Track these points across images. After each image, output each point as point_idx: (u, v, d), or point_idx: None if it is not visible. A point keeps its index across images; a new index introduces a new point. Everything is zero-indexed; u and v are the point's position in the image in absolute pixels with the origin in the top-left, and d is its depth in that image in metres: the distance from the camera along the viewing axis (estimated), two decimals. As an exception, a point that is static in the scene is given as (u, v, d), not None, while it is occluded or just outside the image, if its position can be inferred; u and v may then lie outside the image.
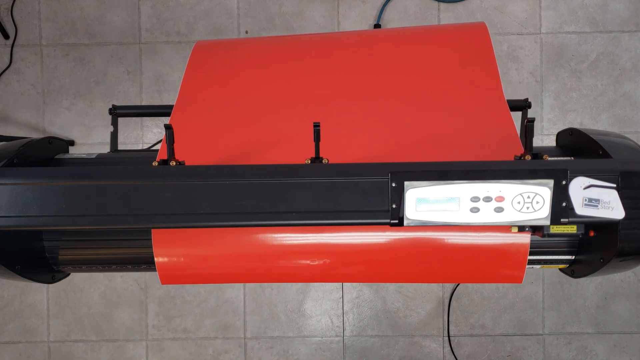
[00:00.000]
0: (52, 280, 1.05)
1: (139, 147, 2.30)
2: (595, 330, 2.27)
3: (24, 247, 0.97)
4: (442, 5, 2.28)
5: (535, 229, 0.86)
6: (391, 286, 2.29)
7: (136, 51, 2.30)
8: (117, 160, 1.07)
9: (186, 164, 0.87)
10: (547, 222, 0.80)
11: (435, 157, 0.94)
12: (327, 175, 0.81)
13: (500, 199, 0.79)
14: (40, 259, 1.00)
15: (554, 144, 1.09)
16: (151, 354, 2.29)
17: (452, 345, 2.28)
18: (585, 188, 0.81)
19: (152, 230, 0.93)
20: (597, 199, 0.82)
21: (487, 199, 0.79)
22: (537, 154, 0.84)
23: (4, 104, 2.30)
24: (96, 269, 1.05)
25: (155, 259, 0.94)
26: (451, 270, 0.95)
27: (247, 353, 2.29)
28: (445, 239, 0.92)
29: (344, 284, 2.28)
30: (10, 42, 2.30)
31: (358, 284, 2.28)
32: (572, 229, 0.93)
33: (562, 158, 0.99)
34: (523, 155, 0.85)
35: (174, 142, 0.86)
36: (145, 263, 1.02)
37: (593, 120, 2.27)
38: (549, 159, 0.84)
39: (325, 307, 2.29)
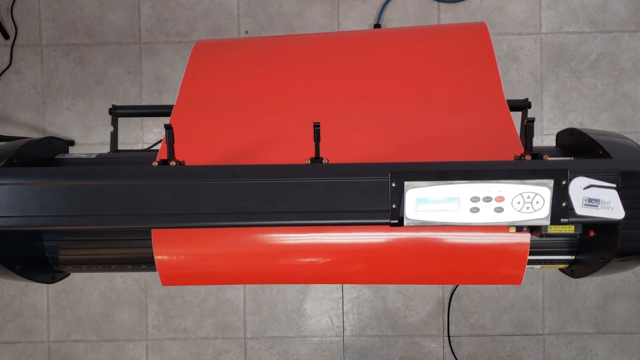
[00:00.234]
0: (52, 280, 1.04)
1: (139, 147, 2.30)
2: (595, 330, 2.27)
3: (24, 247, 0.97)
4: (442, 5, 2.28)
5: (532, 229, 0.86)
6: (391, 286, 2.29)
7: (136, 51, 2.30)
8: (117, 160, 1.07)
9: (186, 164, 0.87)
10: (547, 222, 0.80)
11: (435, 157, 0.94)
12: (327, 175, 0.81)
13: (500, 199, 0.79)
14: (40, 259, 1.00)
15: (554, 144, 1.09)
16: (151, 354, 2.29)
17: (452, 345, 2.28)
18: (585, 188, 0.81)
19: (152, 230, 0.93)
20: (597, 199, 0.82)
21: (487, 199, 0.79)
22: (537, 154, 0.84)
23: (4, 104, 2.30)
24: (96, 269, 1.05)
25: (156, 259, 0.94)
26: (451, 271, 0.95)
27: (247, 353, 2.29)
28: (445, 239, 0.92)
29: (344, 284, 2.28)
30: (10, 42, 2.30)
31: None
32: (569, 229, 0.93)
33: (562, 158, 0.99)
34: (523, 155, 0.85)
35: (174, 142, 0.86)
36: (145, 263, 1.02)
37: (593, 120, 2.27)
38: (549, 159, 0.84)
39: (325, 307, 2.29)
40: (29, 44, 2.31)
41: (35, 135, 1.68)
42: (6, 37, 2.30)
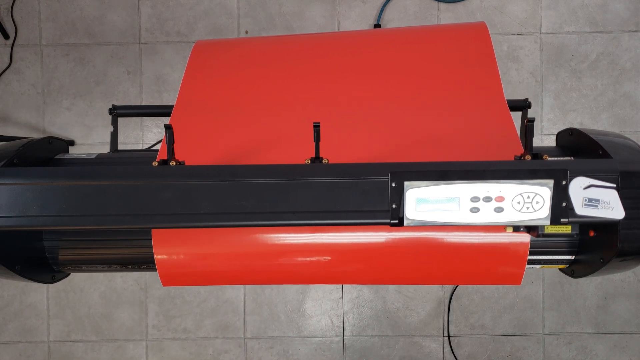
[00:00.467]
0: (52, 280, 1.04)
1: (139, 147, 2.30)
2: (595, 330, 2.27)
3: (24, 247, 0.97)
4: (442, 5, 2.28)
5: (529, 229, 0.86)
6: (391, 286, 2.29)
7: (136, 51, 2.30)
8: (117, 160, 1.07)
9: (186, 164, 0.87)
10: (547, 222, 0.80)
11: (435, 157, 0.94)
12: (327, 175, 0.81)
13: (500, 199, 0.79)
14: (40, 259, 1.00)
15: (554, 144, 1.09)
16: (151, 354, 2.29)
17: (452, 345, 2.28)
18: (585, 188, 0.81)
19: (152, 230, 0.93)
20: (597, 199, 0.82)
21: (487, 199, 0.79)
22: (537, 154, 0.84)
23: (4, 104, 2.30)
24: (96, 269, 1.05)
25: (156, 258, 0.94)
26: (451, 271, 0.95)
27: (247, 353, 2.29)
28: (445, 239, 0.92)
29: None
30: (10, 42, 2.30)
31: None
32: (566, 229, 0.94)
33: (562, 158, 0.99)
34: (523, 155, 0.85)
35: (174, 142, 0.86)
36: (145, 263, 1.02)
37: (593, 120, 2.27)
38: (549, 159, 0.84)
39: (325, 307, 2.29)
40: (29, 44, 2.31)
41: (35, 135, 1.68)
42: (6, 37, 2.30)
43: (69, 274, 1.09)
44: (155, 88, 2.29)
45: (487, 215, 0.79)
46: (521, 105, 1.21)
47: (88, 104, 2.29)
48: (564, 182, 0.79)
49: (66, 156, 1.06)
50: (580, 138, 0.98)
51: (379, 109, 1.05)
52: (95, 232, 1.00)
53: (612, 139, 0.93)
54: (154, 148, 2.15)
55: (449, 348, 2.28)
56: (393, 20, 2.30)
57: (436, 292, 2.29)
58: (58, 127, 2.30)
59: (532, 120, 0.84)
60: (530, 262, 0.99)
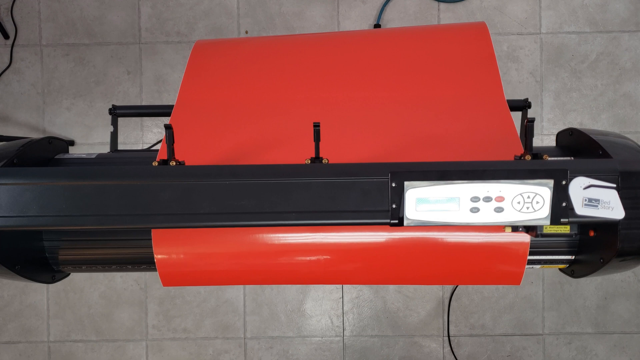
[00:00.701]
0: (52, 280, 1.05)
1: (139, 147, 2.30)
2: (595, 330, 2.27)
3: (24, 247, 0.97)
4: (442, 5, 2.28)
5: (528, 229, 0.86)
6: (391, 286, 2.29)
7: (136, 51, 2.30)
8: (117, 160, 1.07)
9: (186, 164, 0.87)
10: (547, 222, 0.80)
11: (435, 157, 0.94)
12: (327, 175, 0.81)
13: (500, 199, 0.79)
14: (40, 259, 1.00)
15: (554, 144, 1.09)
16: (151, 354, 2.29)
17: (452, 345, 2.28)
18: (585, 188, 0.81)
19: (152, 231, 0.93)
20: (597, 199, 0.82)
21: (487, 199, 0.79)
22: (537, 154, 0.84)
23: (4, 104, 2.30)
24: (96, 269, 1.05)
25: (156, 258, 0.94)
26: (450, 271, 0.95)
27: (247, 353, 2.29)
28: (445, 239, 0.92)
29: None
30: (10, 42, 2.30)
31: (358, 284, 2.28)
32: (565, 229, 0.94)
33: (562, 158, 0.99)
34: (523, 155, 0.85)
35: (174, 142, 0.86)
36: (145, 263, 1.02)
37: (593, 120, 2.27)
38: (549, 159, 0.84)
39: (325, 307, 2.29)
40: (29, 44, 2.31)
41: (35, 135, 1.68)
42: (6, 37, 2.30)
43: (69, 274, 1.09)
44: (155, 88, 2.29)
45: (487, 215, 0.79)
46: (521, 105, 1.21)
47: (88, 104, 2.29)
48: (564, 182, 0.79)
49: (66, 156, 1.06)
50: (580, 138, 0.98)
51: (379, 109, 1.05)
52: (95, 232, 1.00)
53: (612, 139, 0.93)
54: (154, 148, 2.15)
55: (449, 348, 2.28)
56: (393, 20, 2.30)
57: (436, 292, 2.29)
58: (58, 127, 2.30)
59: (532, 120, 0.84)
60: (530, 262, 0.99)
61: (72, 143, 2.28)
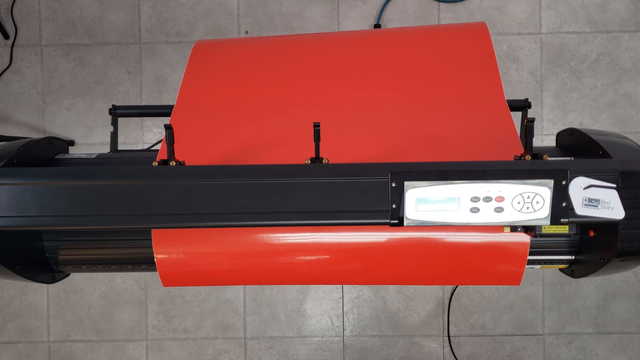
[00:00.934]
0: (52, 280, 1.05)
1: (139, 147, 2.30)
2: (595, 330, 2.27)
3: (24, 247, 0.97)
4: (442, 5, 2.28)
5: (527, 229, 0.86)
6: (391, 286, 2.29)
7: (136, 51, 2.30)
8: (117, 160, 1.07)
9: (186, 164, 0.87)
10: (547, 222, 0.80)
11: (435, 157, 0.94)
12: (327, 175, 0.81)
13: (500, 199, 0.79)
14: (40, 259, 1.00)
15: (554, 144, 1.09)
16: (151, 354, 2.29)
17: (452, 345, 2.28)
18: (585, 188, 0.81)
19: (152, 230, 0.93)
20: (597, 199, 0.82)
21: (487, 199, 0.79)
22: (537, 154, 0.84)
23: (4, 104, 2.30)
24: (96, 269, 1.05)
25: (156, 258, 0.94)
26: (450, 271, 0.95)
27: (247, 353, 2.29)
28: (445, 239, 0.92)
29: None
30: (10, 42, 2.30)
31: (358, 284, 2.28)
32: (564, 229, 0.93)
33: (562, 158, 0.99)
34: (523, 155, 0.85)
35: (174, 142, 0.86)
36: (145, 263, 1.02)
37: (593, 120, 2.27)
38: (549, 159, 0.84)
39: (325, 307, 2.29)
40: (29, 44, 2.31)
41: (35, 135, 1.68)
42: (6, 37, 2.30)
43: (69, 274, 1.09)
44: (155, 88, 2.29)
45: (487, 215, 0.79)
46: (521, 105, 1.21)
47: (88, 104, 2.29)
48: (564, 182, 0.79)
49: (66, 156, 1.06)
50: (580, 138, 0.98)
51: (379, 109, 1.05)
52: (95, 232, 1.00)
53: (612, 139, 0.93)
54: (154, 148, 2.15)
55: (449, 348, 2.28)
56: (393, 20, 2.30)
57: (436, 292, 2.29)
58: (58, 127, 2.30)
59: (532, 120, 0.84)
60: (530, 262, 0.99)
61: (72, 143, 2.28)
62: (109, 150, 1.23)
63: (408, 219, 0.80)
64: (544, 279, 2.27)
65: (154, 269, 0.97)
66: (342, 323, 2.29)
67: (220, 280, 1.00)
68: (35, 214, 0.81)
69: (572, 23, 2.28)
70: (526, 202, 0.79)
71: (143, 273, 2.27)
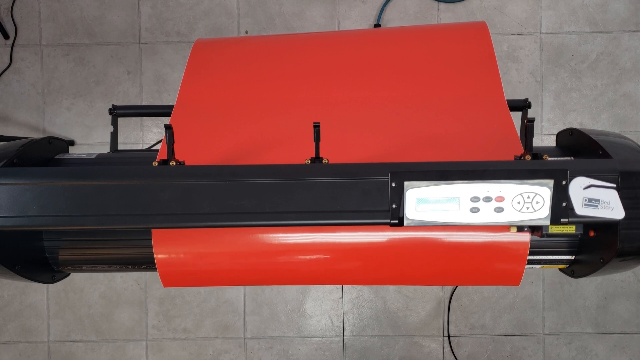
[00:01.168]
0: (52, 280, 1.04)
1: (139, 147, 2.30)
2: (595, 330, 2.27)
3: (24, 247, 0.97)
4: (442, 5, 2.28)
5: (533, 229, 0.86)
6: (391, 286, 2.29)
7: (136, 51, 2.30)
8: (117, 160, 1.07)
9: (186, 164, 0.87)
10: (547, 222, 0.80)
11: (435, 157, 0.94)
12: (327, 175, 0.82)
13: (500, 199, 0.79)
14: (40, 259, 1.00)
15: (554, 144, 1.09)
16: (151, 354, 2.29)
17: (452, 345, 2.28)
18: (585, 188, 0.81)
19: (152, 230, 0.93)
20: (597, 199, 0.82)
21: (487, 199, 0.79)
22: (537, 154, 0.84)
23: (4, 104, 2.30)
24: (96, 269, 1.05)
25: (156, 258, 0.94)
26: (450, 271, 0.95)
27: (247, 353, 2.29)
28: (445, 239, 0.92)
29: (344, 284, 2.28)
30: (10, 42, 2.30)
31: (358, 284, 2.28)
32: (570, 229, 0.93)
33: (562, 158, 0.99)
34: (523, 155, 0.85)
35: (174, 142, 0.86)
36: (145, 263, 1.02)
37: (593, 120, 2.27)
38: (549, 159, 0.84)
39: (325, 307, 2.29)
40: (29, 44, 2.31)
41: (35, 135, 1.68)
42: (6, 37, 2.30)
43: (69, 274, 1.09)
44: (155, 88, 2.29)
45: (487, 215, 0.79)
46: (521, 105, 1.21)
47: (88, 104, 2.29)
48: (564, 182, 0.79)
49: (66, 156, 1.06)
50: (580, 138, 0.98)
51: (379, 108, 1.05)
52: (95, 232, 1.00)
53: (612, 139, 0.93)
54: (154, 148, 2.15)
55: (449, 348, 2.28)
56: (393, 20, 2.30)
57: (436, 292, 2.29)
58: (58, 127, 2.30)
59: (532, 120, 0.84)
60: (530, 262, 0.99)
61: (72, 143, 2.28)
62: (109, 150, 1.23)
63: (408, 219, 0.80)
64: (544, 279, 2.27)
65: (154, 269, 0.97)
66: (342, 323, 2.29)
67: (220, 280, 1.00)
68: (35, 214, 0.81)
69: (572, 23, 2.28)
70: (526, 202, 0.79)
71: (143, 273, 2.27)
